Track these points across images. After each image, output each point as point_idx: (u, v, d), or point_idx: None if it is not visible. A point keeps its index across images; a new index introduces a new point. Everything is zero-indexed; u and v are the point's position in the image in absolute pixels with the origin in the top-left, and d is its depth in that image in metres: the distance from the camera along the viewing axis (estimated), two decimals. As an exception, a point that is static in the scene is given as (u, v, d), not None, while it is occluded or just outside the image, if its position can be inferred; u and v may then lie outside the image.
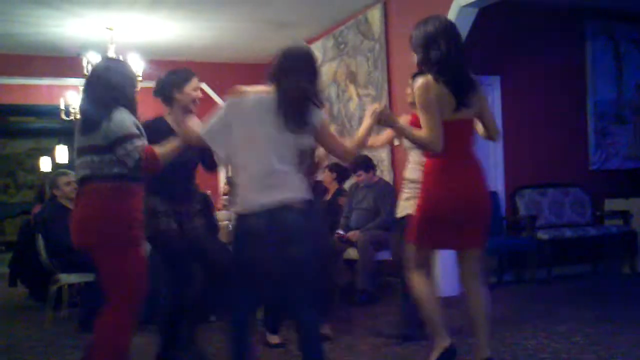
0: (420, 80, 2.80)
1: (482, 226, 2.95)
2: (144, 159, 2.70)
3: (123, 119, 2.73)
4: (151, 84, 3.46)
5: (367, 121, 2.86)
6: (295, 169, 2.65)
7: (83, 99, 2.92)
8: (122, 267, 2.76)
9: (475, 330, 2.93)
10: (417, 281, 3.01)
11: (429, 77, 2.78)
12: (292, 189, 2.62)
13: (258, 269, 2.65)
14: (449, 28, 2.83)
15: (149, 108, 3.25)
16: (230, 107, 2.69)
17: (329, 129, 2.76)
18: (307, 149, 2.87)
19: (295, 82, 2.62)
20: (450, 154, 2.82)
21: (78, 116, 3.51)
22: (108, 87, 2.81)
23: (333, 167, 5.74)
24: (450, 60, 2.77)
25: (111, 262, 2.77)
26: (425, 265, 3.03)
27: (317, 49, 7.26)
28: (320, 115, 2.67)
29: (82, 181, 2.82)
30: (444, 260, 5.38)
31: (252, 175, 2.62)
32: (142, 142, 2.73)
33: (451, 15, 5.13)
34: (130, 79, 2.93)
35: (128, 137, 2.70)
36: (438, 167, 2.88)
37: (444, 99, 2.77)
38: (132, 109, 2.83)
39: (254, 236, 2.60)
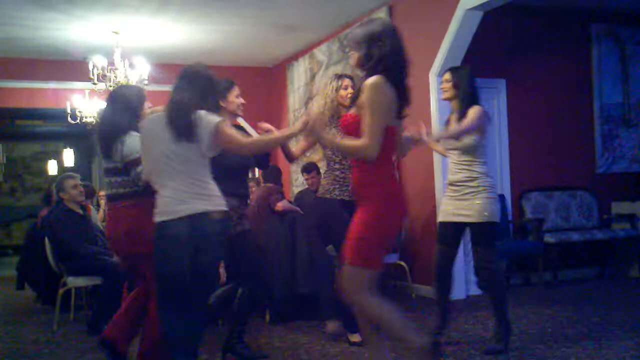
0: (373, 79, 2.56)
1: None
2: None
3: (133, 143, 3.13)
4: (157, 88, 3.52)
5: (290, 130, 2.95)
6: (209, 177, 2.85)
7: (103, 121, 3.31)
8: None
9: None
10: (375, 304, 2.64)
11: (382, 77, 2.56)
12: (206, 199, 2.81)
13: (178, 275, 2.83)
14: (395, 31, 2.68)
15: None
16: (140, 130, 3.01)
17: (226, 130, 2.83)
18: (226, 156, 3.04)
19: (178, 97, 2.86)
20: (389, 161, 2.65)
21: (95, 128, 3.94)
22: (125, 110, 3.26)
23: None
24: (396, 60, 2.62)
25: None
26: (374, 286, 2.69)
27: (322, 52, 7.27)
28: (210, 121, 2.79)
29: (114, 198, 3.27)
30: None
31: (170, 188, 2.82)
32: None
33: (456, 18, 5.13)
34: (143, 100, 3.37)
35: (137, 162, 3.11)
36: (386, 176, 2.64)
37: (392, 103, 2.59)
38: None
39: (174, 243, 2.81)
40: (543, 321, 4.38)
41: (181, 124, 2.79)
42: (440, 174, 5.34)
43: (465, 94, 3.68)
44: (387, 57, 2.59)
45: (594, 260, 6.48)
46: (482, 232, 3.64)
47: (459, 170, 3.69)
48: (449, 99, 3.78)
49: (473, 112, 3.61)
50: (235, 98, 3.64)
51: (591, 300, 5.16)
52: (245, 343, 3.75)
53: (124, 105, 3.28)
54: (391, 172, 2.66)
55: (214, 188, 2.87)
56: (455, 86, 3.70)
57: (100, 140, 3.31)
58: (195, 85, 2.90)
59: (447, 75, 3.76)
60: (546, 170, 6.38)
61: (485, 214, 3.60)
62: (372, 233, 2.59)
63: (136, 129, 3.11)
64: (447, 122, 3.87)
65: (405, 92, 2.64)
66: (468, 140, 3.63)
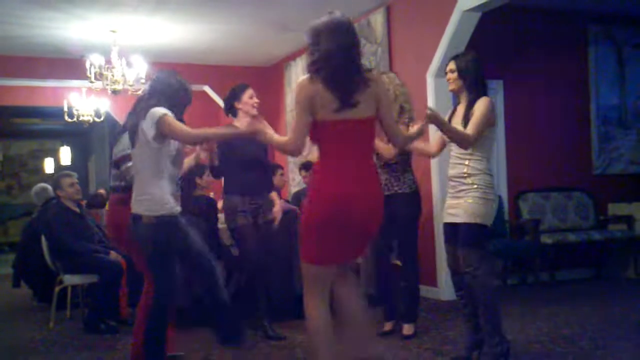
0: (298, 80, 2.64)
1: (370, 235, 2.70)
2: None
3: (125, 140, 3.38)
4: None
5: (233, 128, 3.30)
6: (157, 180, 3.04)
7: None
8: None
9: (356, 333, 2.69)
10: (311, 306, 2.62)
11: (305, 77, 2.61)
12: (139, 203, 3.06)
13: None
14: (339, 25, 2.61)
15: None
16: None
17: (169, 121, 3.01)
18: (176, 152, 3.17)
19: (137, 102, 3.20)
20: (337, 155, 2.59)
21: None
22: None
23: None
24: (331, 58, 2.54)
25: None
26: (326, 288, 2.64)
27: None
28: (154, 113, 3.01)
29: (110, 191, 3.73)
30: (445, 264, 5.41)
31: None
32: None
33: (454, 19, 5.13)
34: None
35: (126, 158, 3.44)
36: (322, 169, 2.62)
37: (319, 99, 2.54)
38: None
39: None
40: (539, 321, 4.39)
41: (132, 126, 3.12)
42: (437, 174, 5.34)
43: (472, 84, 3.34)
44: (323, 56, 2.57)
45: (591, 261, 6.49)
46: (467, 233, 3.29)
47: (455, 165, 3.38)
48: (455, 91, 3.44)
49: (482, 106, 3.28)
50: (249, 98, 4.12)
51: (588, 301, 5.17)
52: (270, 324, 4.15)
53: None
54: (332, 167, 2.58)
55: (155, 192, 3.03)
56: (461, 76, 3.36)
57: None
58: (152, 89, 3.18)
59: (452, 64, 3.42)
60: (543, 171, 6.39)
61: (475, 215, 3.25)
62: (302, 226, 2.66)
63: None
64: (453, 113, 3.47)
65: (342, 85, 2.54)
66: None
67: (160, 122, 3.00)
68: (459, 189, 3.33)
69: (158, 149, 3.03)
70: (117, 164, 3.58)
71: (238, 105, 4.17)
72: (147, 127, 3.01)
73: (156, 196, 3.03)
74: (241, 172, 4.15)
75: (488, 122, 3.29)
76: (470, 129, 3.24)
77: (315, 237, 2.57)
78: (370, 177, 2.65)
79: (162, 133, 3.01)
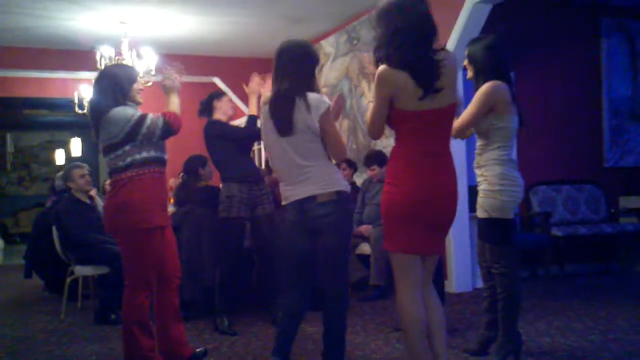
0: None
1: (448, 224, 2.59)
2: None
3: None
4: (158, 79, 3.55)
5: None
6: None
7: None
8: None
9: (432, 341, 2.55)
10: (400, 294, 2.54)
11: (385, 65, 2.44)
12: None
13: None
14: (409, 1, 2.44)
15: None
16: None
17: None
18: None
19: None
20: (416, 143, 2.48)
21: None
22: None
23: (350, 163, 5.98)
24: (406, 40, 2.39)
25: None
26: (417, 280, 2.54)
27: (329, 44, 7.24)
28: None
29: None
30: (457, 255, 5.41)
31: None
32: None
33: (465, 11, 5.09)
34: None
35: None
36: (402, 158, 2.52)
37: (394, 88, 2.42)
38: None
39: None
40: (549, 314, 4.37)
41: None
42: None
43: (481, 71, 3.17)
44: (384, 42, 2.44)
45: (601, 254, 6.46)
46: (482, 229, 3.23)
47: (476, 155, 3.24)
48: (470, 79, 3.27)
49: (477, 92, 3.12)
50: (228, 102, 4.38)
51: (598, 294, 5.15)
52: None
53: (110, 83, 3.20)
54: (412, 157, 2.48)
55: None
56: (471, 62, 3.22)
57: None
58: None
59: (466, 50, 3.30)
60: (554, 163, 6.36)
61: (484, 210, 3.16)
62: (385, 216, 2.55)
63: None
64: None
65: (421, 69, 2.39)
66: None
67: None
68: (478, 181, 3.24)
69: None
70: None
71: (217, 104, 4.33)
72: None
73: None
74: (239, 159, 4.21)
75: (484, 107, 3.08)
76: (456, 121, 3.02)
77: (400, 226, 2.50)
78: (448, 166, 2.55)
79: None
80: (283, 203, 2.90)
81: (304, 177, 2.79)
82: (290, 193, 2.86)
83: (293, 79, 2.79)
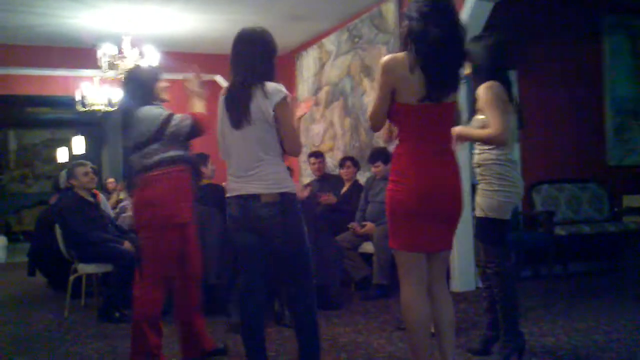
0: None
1: (454, 220, 2.58)
2: None
3: None
4: (166, 76, 3.58)
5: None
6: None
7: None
8: None
9: (440, 340, 2.55)
10: (402, 293, 2.54)
11: (391, 55, 2.49)
12: None
13: None
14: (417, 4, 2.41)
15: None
16: None
17: None
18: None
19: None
20: (418, 140, 2.50)
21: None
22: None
23: (353, 161, 6.04)
24: (413, 34, 2.39)
25: None
26: (422, 278, 2.53)
27: (331, 42, 7.23)
28: None
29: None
30: (460, 254, 5.41)
31: None
32: None
33: (466, 9, 5.09)
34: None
35: None
36: (404, 154, 2.53)
37: (393, 80, 2.44)
38: None
39: None
40: (552, 314, 4.37)
41: None
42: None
43: (479, 70, 3.14)
44: (406, 37, 2.43)
45: (605, 253, 6.44)
46: (478, 228, 3.24)
47: (475, 155, 3.25)
48: (468, 75, 3.22)
49: (482, 94, 3.08)
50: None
51: (602, 294, 5.14)
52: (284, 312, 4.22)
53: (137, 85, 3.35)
54: (415, 153, 2.48)
55: None
56: (470, 60, 3.08)
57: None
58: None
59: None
60: (557, 162, 6.34)
61: (481, 209, 3.16)
62: (388, 213, 2.57)
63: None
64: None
65: (431, 67, 2.38)
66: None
67: None
68: (478, 180, 3.23)
69: None
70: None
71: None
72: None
73: None
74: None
75: (503, 107, 3.02)
76: (491, 127, 2.98)
77: (404, 223, 2.50)
78: (451, 163, 2.54)
79: None
80: (227, 195, 2.86)
81: (253, 171, 2.74)
82: (234, 186, 2.81)
83: (248, 68, 2.75)
